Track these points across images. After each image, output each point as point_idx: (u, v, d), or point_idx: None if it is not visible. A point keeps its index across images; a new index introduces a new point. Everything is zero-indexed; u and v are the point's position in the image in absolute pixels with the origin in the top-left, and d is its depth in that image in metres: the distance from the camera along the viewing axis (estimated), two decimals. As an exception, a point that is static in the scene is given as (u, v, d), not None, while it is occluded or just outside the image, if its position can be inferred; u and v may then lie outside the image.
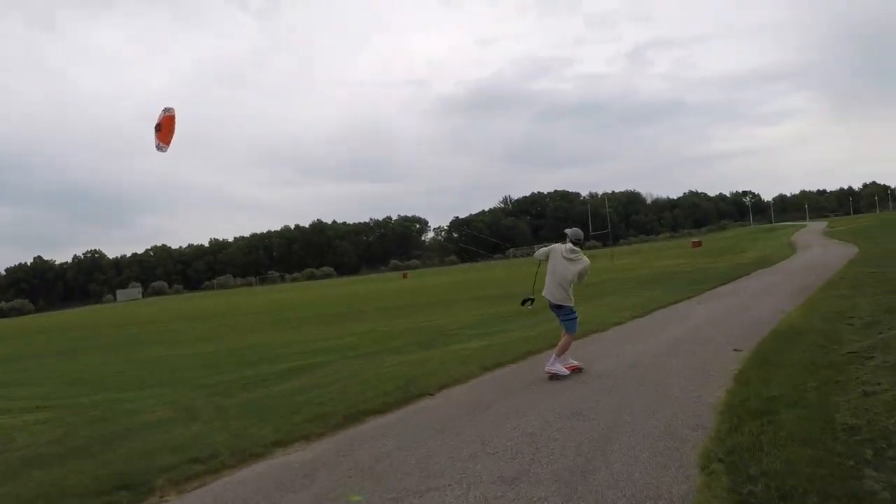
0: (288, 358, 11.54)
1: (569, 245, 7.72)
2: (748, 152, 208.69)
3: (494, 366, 8.58)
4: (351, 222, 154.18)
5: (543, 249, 7.94)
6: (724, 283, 19.07)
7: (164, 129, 8.66)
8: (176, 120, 8.80)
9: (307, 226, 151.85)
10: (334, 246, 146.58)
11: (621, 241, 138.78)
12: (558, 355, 7.62)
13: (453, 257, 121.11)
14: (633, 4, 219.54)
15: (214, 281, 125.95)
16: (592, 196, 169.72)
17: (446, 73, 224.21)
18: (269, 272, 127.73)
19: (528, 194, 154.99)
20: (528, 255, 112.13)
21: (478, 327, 13.81)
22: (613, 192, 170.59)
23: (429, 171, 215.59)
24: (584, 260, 7.73)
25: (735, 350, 8.14)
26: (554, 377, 7.47)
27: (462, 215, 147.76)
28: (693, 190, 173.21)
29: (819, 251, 31.81)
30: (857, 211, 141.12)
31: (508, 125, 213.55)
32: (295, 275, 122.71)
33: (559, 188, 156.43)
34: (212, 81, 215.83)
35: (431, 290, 34.05)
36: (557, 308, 7.78)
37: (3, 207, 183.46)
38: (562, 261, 7.66)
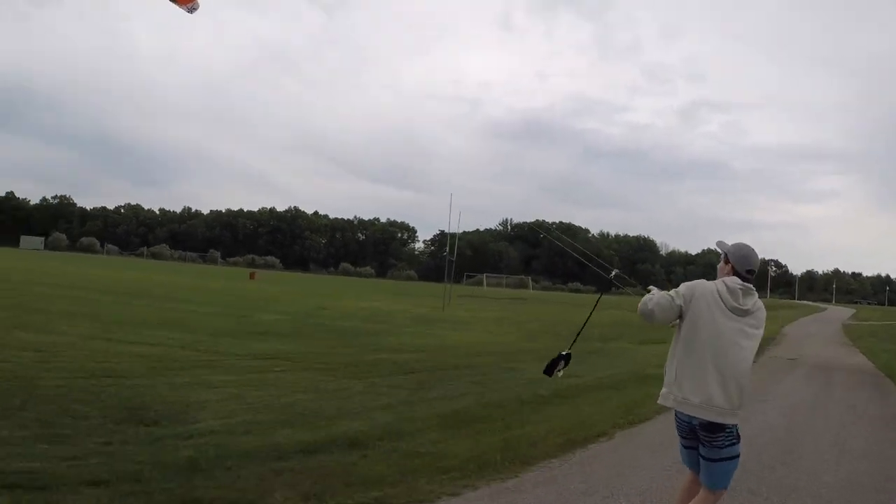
0: None
1: (735, 281, 3.18)
2: (782, 225, 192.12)
3: None
4: (332, 216, 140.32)
5: (663, 296, 3.23)
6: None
7: None
8: None
9: (282, 210, 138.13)
10: (303, 237, 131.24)
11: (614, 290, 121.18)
12: None
13: (412, 272, 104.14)
14: (689, 62, 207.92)
15: (146, 249, 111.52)
16: (603, 235, 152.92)
17: (496, 96, 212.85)
18: (210, 251, 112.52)
19: (530, 220, 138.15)
20: (514, 284, 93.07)
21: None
22: (627, 235, 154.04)
23: (456, 188, 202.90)
24: (763, 310, 3.21)
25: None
26: None
27: (459, 232, 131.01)
28: (713, 248, 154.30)
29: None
30: (892, 302, 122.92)
31: (548, 158, 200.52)
32: (236, 258, 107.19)
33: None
34: (267, 63, 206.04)
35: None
36: (708, 431, 3.10)
37: (36, 143, 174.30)
38: (726, 319, 3.10)
